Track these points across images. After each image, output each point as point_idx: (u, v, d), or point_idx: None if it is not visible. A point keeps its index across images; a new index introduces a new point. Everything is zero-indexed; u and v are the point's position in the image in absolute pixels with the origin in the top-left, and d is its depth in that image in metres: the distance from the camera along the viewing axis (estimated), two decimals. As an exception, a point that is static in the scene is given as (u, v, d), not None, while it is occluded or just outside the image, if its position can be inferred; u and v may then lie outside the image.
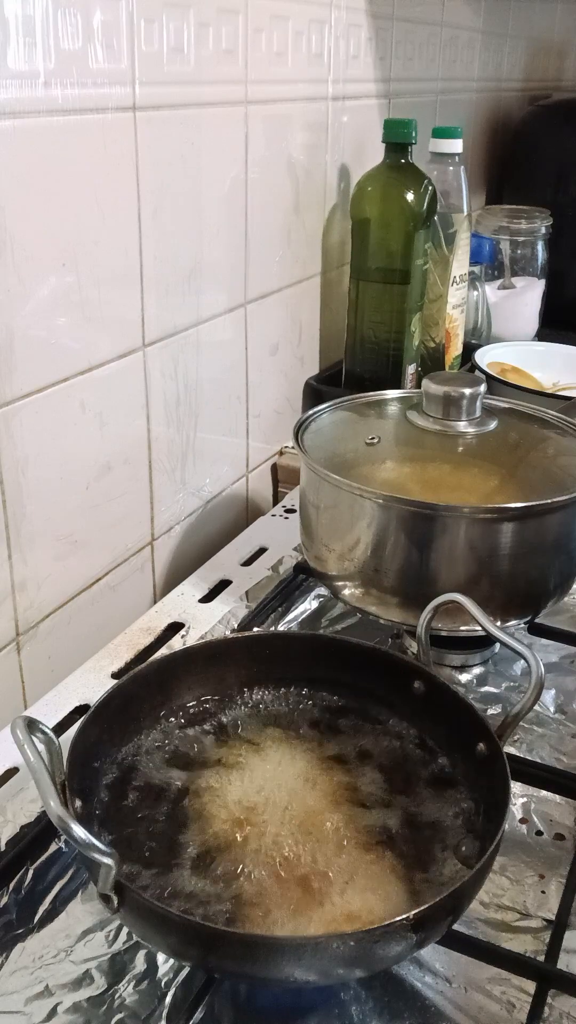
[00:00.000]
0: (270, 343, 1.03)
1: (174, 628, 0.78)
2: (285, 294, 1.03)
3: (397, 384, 1.04)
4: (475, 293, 1.32)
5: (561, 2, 1.82)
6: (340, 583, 0.72)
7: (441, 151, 1.09)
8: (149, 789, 0.54)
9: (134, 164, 0.75)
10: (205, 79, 0.82)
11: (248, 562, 0.88)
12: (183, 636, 0.76)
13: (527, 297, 1.40)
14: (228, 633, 0.76)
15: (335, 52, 1.03)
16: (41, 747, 0.46)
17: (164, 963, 0.51)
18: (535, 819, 0.61)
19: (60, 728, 0.66)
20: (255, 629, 0.76)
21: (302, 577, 0.83)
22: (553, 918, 0.53)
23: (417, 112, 1.12)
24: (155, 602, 0.86)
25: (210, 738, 0.58)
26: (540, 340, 1.38)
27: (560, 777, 0.62)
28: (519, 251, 1.41)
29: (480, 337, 1.34)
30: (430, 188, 1.02)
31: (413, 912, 0.42)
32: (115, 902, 0.44)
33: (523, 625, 0.73)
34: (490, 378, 1.09)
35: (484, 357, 1.18)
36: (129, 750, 0.56)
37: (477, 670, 0.74)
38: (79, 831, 0.42)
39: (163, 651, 0.74)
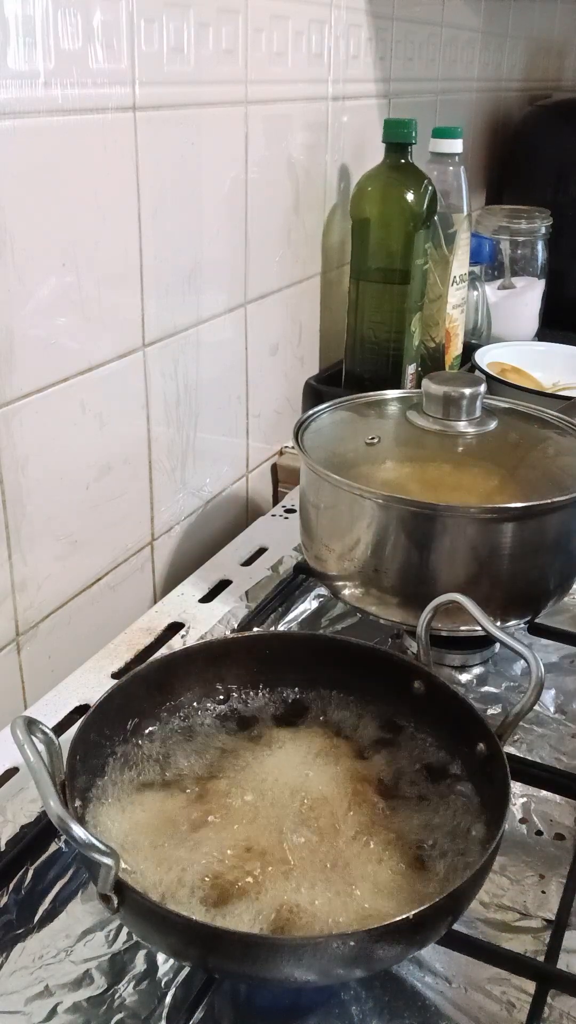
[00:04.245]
0: (270, 343, 1.03)
1: (174, 628, 0.78)
2: (285, 294, 1.03)
3: (397, 384, 1.04)
4: (475, 293, 1.32)
5: (561, 2, 1.82)
6: (340, 583, 0.72)
7: (441, 151, 1.09)
8: (149, 789, 0.54)
9: (134, 164, 0.75)
10: (205, 79, 0.82)
11: (248, 562, 0.88)
12: (183, 636, 0.76)
13: (527, 297, 1.40)
14: (228, 633, 0.76)
15: (335, 52, 1.03)
16: (41, 747, 0.46)
17: (164, 963, 0.51)
18: (535, 819, 0.61)
19: (60, 728, 0.66)
20: (255, 629, 0.76)
21: (302, 577, 0.83)
22: (553, 918, 0.53)
23: (417, 112, 1.12)
24: (155, 602, 0.86)
25: (210, 738, 0.58)
26: (540, 340, 1.38)
27: (560, 777, 0.62)
28: (519, 251, 1.41)
29: (480, 337, 1.34)
30: (430, 188, 1.02)
31: (413, 912, 0.42)
32: (115, 902, 0.44)
33: (523, 625, 0.73)
34: (490, 378, 1.09)
35: (484, 357, 1.18)
36: (129, 750, 0.56)
37: (477, 670, 0.74)
38: (79, 831, 0.42)
39: (163, 651, 0.74)
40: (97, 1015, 0.48)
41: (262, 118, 0.92)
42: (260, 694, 0.61)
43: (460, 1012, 0.49)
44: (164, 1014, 0.48)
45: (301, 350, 1.10)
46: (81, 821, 0.48)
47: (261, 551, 0.90)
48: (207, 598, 0.82)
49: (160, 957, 0.51)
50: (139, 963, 0.51)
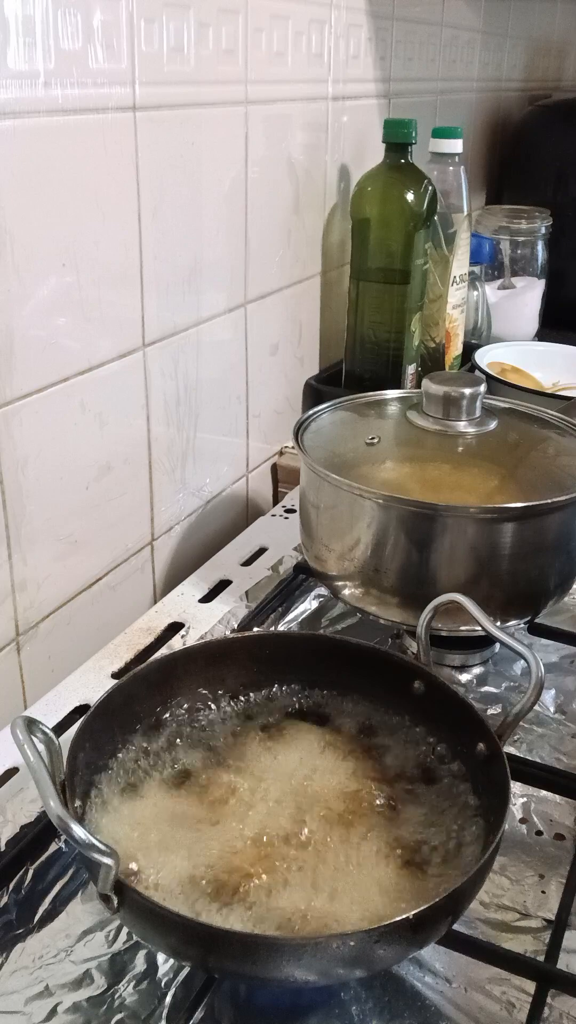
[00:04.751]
0: (270, 343, 1.03)
1: (174, 628, 0.78)
2: (285, 294, 1.03)
3: (397, 384, 1.04)
4: (475, 293, 1.32)
5: (561, 2, 1.82)
6: (340, 583, 0.72)
7: (441, 151, 1.09)
8: (149, 789, 0.54)
9: (134, 164, 0.75)
10: (205, 79, 0.82)
11: (248, 562, 0.88)
12: (183, 636, 0.76)
13: (527, 297, 1.40)
14: (228, 633, 0.76)
15: (335, 52, 1.03)
16: (41, 747, 0.46)
17: (164, 963, 0.51)
18: (535, 819, 0.61)
19: (60, 728, 0.66)
20: (255, 629, 0.76)
21: (302, 577, 0.83)
22: (553, 918, 0.53)
23: (417, 112, 1.12)
24: (155, 602, 0.86)
25: (210, 738, 0.58)
26: (540, 340, 1.38)
27: (560, 777, 0.62)
28: (519, 251, 1.41)
29: (480, 337, 1.34)
30: (430, 188, 1.02)
31: (413, 912, 0.42)
32: (115, 902, 0.44)
33: (523, 625, 0.73)
34: (490, 378, 1.09)
35: (484, 357, 1.18)
36: (129, 750, 0.56)
37: (477, 670, 0.74)
38: (79, 831, 0.42)
39: (163, 651, 0.74)
40: (97, 1015, 0.48)
41: (262, 118, 0.92)
42: (260, 694, 0.61)
43: (460, 1012, 0.49)
44: (164, 1014, 0.48)
45: (301, 350, 1.10)
46: (81, 821, 0.48)
47: (261, 551, 0.90)
48: (207, 598, 0.82)
49: (160, 957, 0.51)
50: (139, 963, 0.51)
